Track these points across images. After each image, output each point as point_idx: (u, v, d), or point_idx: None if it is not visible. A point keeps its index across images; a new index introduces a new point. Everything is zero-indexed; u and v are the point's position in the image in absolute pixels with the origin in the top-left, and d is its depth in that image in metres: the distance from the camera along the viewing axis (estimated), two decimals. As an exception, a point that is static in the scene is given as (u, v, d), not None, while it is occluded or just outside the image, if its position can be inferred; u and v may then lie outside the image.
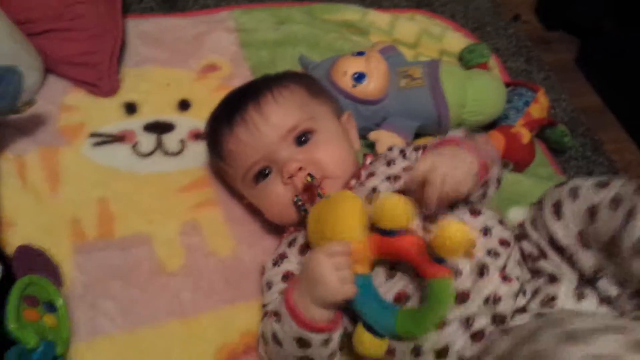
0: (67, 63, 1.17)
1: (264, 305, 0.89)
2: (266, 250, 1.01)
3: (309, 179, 0.88)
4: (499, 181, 0.90)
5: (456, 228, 0.67)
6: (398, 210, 0.73)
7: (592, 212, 0.75)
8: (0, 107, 0.96)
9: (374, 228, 0.76)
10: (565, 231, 0.79)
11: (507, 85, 1.29)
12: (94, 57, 1.18)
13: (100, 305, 0.92)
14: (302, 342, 0.78)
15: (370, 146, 1.16)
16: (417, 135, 1.20)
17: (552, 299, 0.76)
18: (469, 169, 0.78)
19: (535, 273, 0.83)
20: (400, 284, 0.79)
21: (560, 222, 0.79)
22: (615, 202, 0.73)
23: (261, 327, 0.87)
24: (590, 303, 0.76)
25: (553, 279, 0.80)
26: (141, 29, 1.32)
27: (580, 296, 0.76)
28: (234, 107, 0.96)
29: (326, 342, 0.79)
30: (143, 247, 0.99)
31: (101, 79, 1.17)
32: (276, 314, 0.81)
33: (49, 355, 0.80)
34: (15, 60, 1.04)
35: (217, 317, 0.94)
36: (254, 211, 1.02)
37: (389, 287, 0.80)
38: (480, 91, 1.19)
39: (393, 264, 0.80)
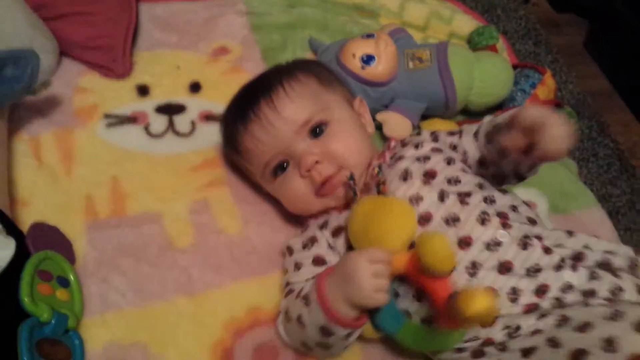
0: (81, 46, 1.19)
1: (288, 284, 0.91)
2: (273, 229, 1.04)
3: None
4: None
5: (479, 302, 0.66)
6: (445, 254, 0.73)
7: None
8: (16, 88, 0.98)
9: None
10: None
11: (515, 67, 1.30)
12: (108, 41, 1.20)
13: (111, 281, 0.95)
14: (326, 331, 0.81)
15: (378, 127, 1.17)
16: (424, 116, 1.22)
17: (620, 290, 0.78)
18: None
19: None
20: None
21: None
22: None
23: (285, 304, 0.89)
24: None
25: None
26: (154, 13, 1.34)
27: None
28: (247, 103, 0.97)
29: (348, 335, 0.82)
30: (154, 225, 1.02)
31: (115, 61, 1.20)
32: (305, 298, 0.83)
33: (61, 328, 0.83)
34: (32, 43, 1.07)
35: (225, 293, 0.96)
36: (261, 191, 1.05)
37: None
38: (487, 73, 1.20)
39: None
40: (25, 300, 0.80)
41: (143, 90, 1.20)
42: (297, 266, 0.91)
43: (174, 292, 0.95)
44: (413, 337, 0.78)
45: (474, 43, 1.36)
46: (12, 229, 0.87)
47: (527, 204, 0.92)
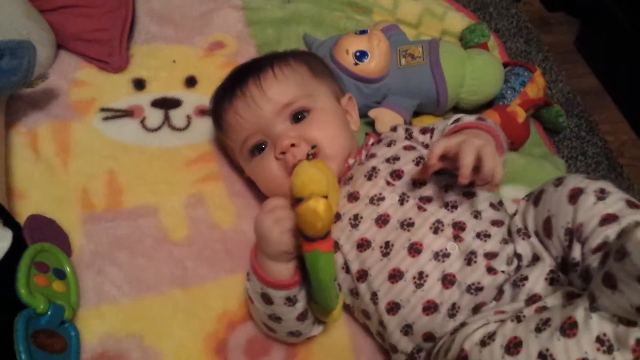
0: (78, 39, 1.21)
1: None
2: (267, 223, 1.06)
3: (311, 151, 0.91)
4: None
5: (305, 207, 0.71)
6: (302, 178, 0.76)
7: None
8: (13, 81, 0.99)
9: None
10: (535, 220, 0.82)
11: (505, 65, 1.31)
12: (105, 34, 1.21)
13: (107, 273, 0.96)
14: (266, 298, 0.83)
15: (370, 124, 1.19)
16: (416, 113, 1.24)
17: (524, 279, 0.78)
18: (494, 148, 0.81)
19: (521, 255, 0.84)
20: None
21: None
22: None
23: None
24: (556, 294, 0.75)
25: (535, 260, 0.82)
26: (150, 7, 1.35)
27: (552, 280, 0.77)
28: (236, 81, 0.99)
29: (289, 300, 0.83)
30: (149, 218, 1.04)
31: (111, 55, 1.21)
32: (247, 274, 0.88)
33: (57, 320, 0.85)
34: (28, 35, 1.08)
35: (219, 286, 0.98)
36: (255, 185, 1.05)
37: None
38: (478, 71, 1.22)
39: None
40: (22, 291, 0.81)
41: (139, 84, 1.22)
42: None
43: (169, 284, 0.97)
44: (314, 299, 0.80)
45: (465, 40, 1.38)
46: (9, 221, 0.88)
47: (495, 204, 0.92)
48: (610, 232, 0.70)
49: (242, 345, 0.93)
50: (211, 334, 0.94)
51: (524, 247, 0.83)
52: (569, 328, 0.63)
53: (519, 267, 0.82)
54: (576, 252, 0.74)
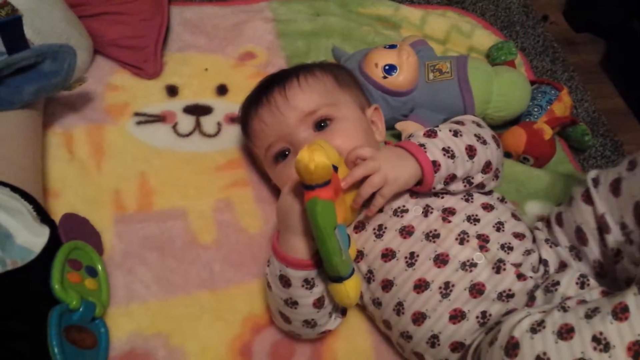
0: (115, 45, 1.24)
1: None
2: (293, 230, 1.07)
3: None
4: (496, 176, 0.95)
5: (300, 154, 0.72)
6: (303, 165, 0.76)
7: None
8: (53, 83, 1.01)
9: None
10: (620, 210, 0.80)
11: (532, 83, 1.32)
12: (141, 41, 1.24)
13: (137, 273, 0.98)
14: (284, 280, 0.83)
15: (397, 136, 1.21)
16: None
17: (556, 283, 0.79)
18: (409, 172, 0.85)
19: (547, 261, 0.86)
20: None
21: (617, 199, 0.80)
22: None
23: None
24: (590, 292, 0.77)
25: (562, 267, 0.84)
26: (184, 16, 1.39)
27: (582, 284, 0.78)
28: (262, 90, 1.02)
29: (306, 282, 0.83)
30: (179, 221, 1.06)
31: (146, 62, 1.24)
32: (268, 260, 0.88)
33: (89, 316, 0.87)
34: (68, 40, 1.11)
35: (245, 289, 1.00)
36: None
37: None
38: (506, 87, 1.22)
39: None
40: (56, 287, 0.83)
41: (172, 91, 1.25)
42: None
43: (197, 286, 0.99)
44: (321, 255, 0.78)
45: (492, 58, 1.39)
46: (46, 218, 0.91)
47: (517, 215, 0.93)
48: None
49: (266, 349, 0.94)
50: (236, 336, 0.95)
51: (550, 254, 0.86)
52: (620, 312, 0.63)
53: (545, 273, 0.84)
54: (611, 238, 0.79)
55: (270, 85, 1.00)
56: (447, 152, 0.87)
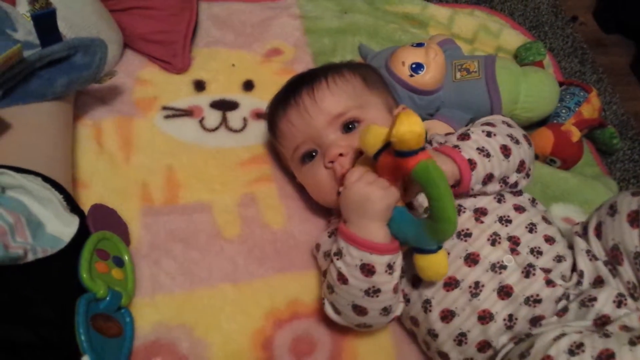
0: (144, 39, 1.25)
1: (324, 273, 0.93)
2: (316, 226, 1.08)
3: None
4: (527, 175, 0.94)
5: (399, 122, 0.71)
6: (370, 135, 0.80)
7: None
8: (84, 76, 1.03)
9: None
10: (638, 241, 0.80)
11: (561, 84, 1.32)
12: (170, 36, 1.25)
13: (162, 264, 1.00)
14: (367, 269, 0.82)
15: (422, 135, 1.20)
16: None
17: (593, 299, 0.78)
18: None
19: (583, 272, 0.85)
20: None
21: (636, 231, 0.80)
22: None
23: (325, 284, 0.91)
24: (627, 312, 0.77)
25: (599, 282, 0.83)
26: (212, 12, 1.39)
27: (619, 303, 0.78)
28: (290, 90, 1.02)
29: (390, 267, 0.82)
30: (204, 214, 1.07)
31: (175, 56, 1.25)
32: (337, 254, 0.85)
33: (115, 305, 0.88)
34: (98, 34, 1.12)
35: (267, 284, 1.01)
36: (305, 190, 1.07)
37: None
38: (534, 88, 1.21)
39: None
40: (84, 276, 0.85)
41: (199, 85, 1.26)
42: (327, 254, 0.94)
43: (220, 279, 1.00)
44: (433, 220, 0.76)
45: (521, 58, 1.39)
46: (75, 208, 0.92)
47: (548, 219, 0.93)
48: None
49: (287, 343, 0.95)
50: (258, 330, 0.96)
51: (587, 266, 0.84)
52: None
53: (579, 284, 0.83)
54: None
55: (299, 87, 1.00)
56: (482, 151, 0.87)
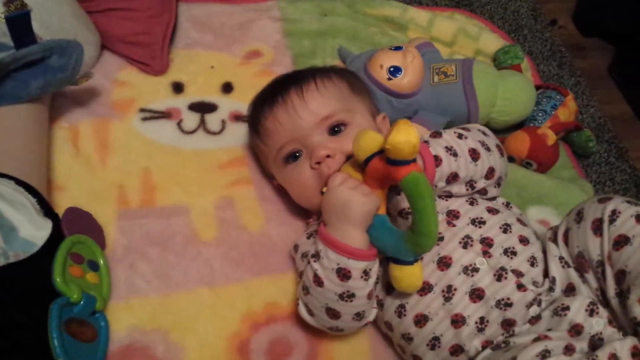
0: (122, 41, 1.24)
1: (301, 274, 0.93)
2: (294, 229, 1.08)
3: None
4: (498, 184, 0.95)
5: (396, 130, 0.73)
6: (363, 139, 0.81)
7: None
8: (60, 78, 1.02)
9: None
10: (600, 250, 0.82)
11: (538, 87, 1.32)
12: (148, 38, 1.25)
13: (138, 268, 0.99)
14: (343, 274, 0.82)
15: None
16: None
17: (566, 308, 0.80)
18: None
19: (555, 279, 0.85)
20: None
21: (599, 239, 0.82)
22: None
23: (300, 285, 0.92)
24: (599, 321, 0.79)
25: (571, 290, 0.84)
26: (192, 13, 1.39)
27: (592, 312, 0.79)
28: (278, 89, 1.01)
29: (365, 273, 0.83)
30: (181, 217, 1.06)
31: (153, 58, 1.24)
32: (314, 256, 0.86)
33: (89, 309, 0.88)
34: (75, 35, 1.11)
35: (244, 287, 1.01)
36: (283, 192, 1.08)
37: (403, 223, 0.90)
38: (510, 91, 1.22)
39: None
40: (58, 280, 0.84)
41: (178, 88, 1.25)
42: (304, 255, 0.94)
43: (196, 282, 1.00)
44: (414, 233, 0.77)
45: (499, 61, 1.39)
46: (49, 212, 0.92)
47: (523, 220, 0.94)
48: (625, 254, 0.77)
49: (264, 346, 0.95)
50: (235, 333, 0.96)
51: (560, 273, 0.85)
52: None
53: (551, 290, 0.84)
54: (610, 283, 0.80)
55: (286, 85, 1.00)
56: (450, 150, 0.88)
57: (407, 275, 0.82)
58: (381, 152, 0.79)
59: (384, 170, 0.79)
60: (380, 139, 0.79)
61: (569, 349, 0.74)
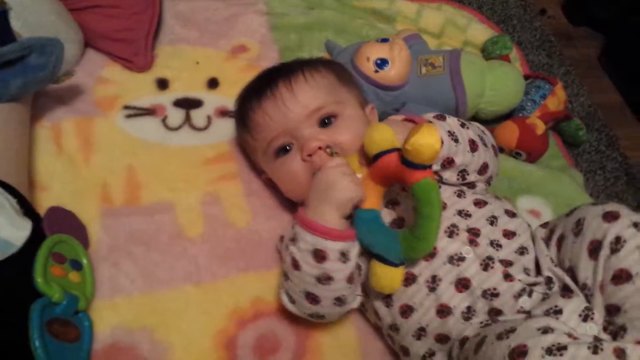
0: (106, 38, 1.23)
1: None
2: (282, 224, 1.07)
3: (328, 150, 0.92)
4: (488, 182, 0.96)
5: (420, 133, 0.72)
6: (379, 134, 0.81)
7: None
8: (40, 77, 1.01)
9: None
10: (592, 275, 0.78)
11: (527, 77, 1.32)
12: (132, 34, 1.23)
13: (122, 267, 0.98)
14: (319, 255, 0.82)
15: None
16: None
17: (558, 311, 0.77)
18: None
19: (552, 278, 0.83)
20: (399, 210, 0.88)
21: (593, 263, 0.77)
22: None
23: (282, 273, 0.92)
24: (592, 327, 0.75)
25: (567, 290, 0.80)
26: (176, 9, 1.37)
27: (586, 317, 0.76)
28: (266, 82, 1.00)
29: (343, 255, 0.82)
30: (166, 214, 1.05)
31: (137, 54, 1.23)
32: (292, 239, 0.86)
33: (72, 309, 0.87)
34: (57, 33, 1.10)
35: (231, 283, 1.00)
36: (272, 186, 1.07)
37: (386, 216, 0.88)
38: (499, 82, 1.22)
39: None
40: (39, 280, 0.83)
41: (162, 84, 1.24)
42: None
43: (182, 280, 0.99)
44: (414, 237, 0.77)
45: (487, 52, 1.38)
46: (30, 212, 0.90)
47: (511, 211, 0.92)
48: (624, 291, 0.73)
49: (251, 343, 0.95)
50: (221, 330, 0.95)
51: (553, 273, 0.83)
52: None
53: (549, 284, 0.82)
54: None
55: (274, 79, 0.99)
56: (452, 135, 0.88)
57: (388, 277, 0.81)
58: (394, 150, 0.79)
59: (394, 169, 0.78)
60: (394, 137, 0.79)
61: (570, 336, 0.70)
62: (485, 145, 0.92)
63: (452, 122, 0.91)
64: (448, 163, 0.88)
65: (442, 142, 0.85)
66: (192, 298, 0.98)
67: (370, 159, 0.83)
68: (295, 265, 0.85)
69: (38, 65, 1.00)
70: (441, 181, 0.91)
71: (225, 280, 1.00)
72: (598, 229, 0.77)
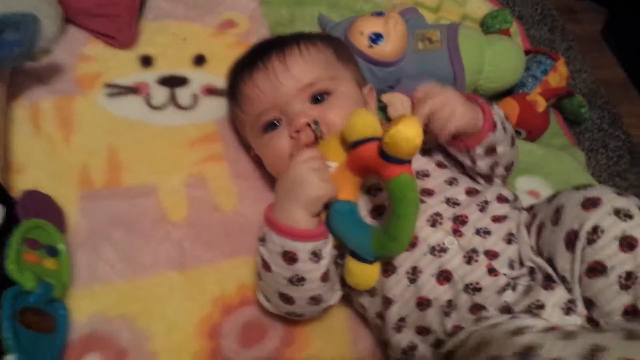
0: (87, 13, 1.18)
1: None
2: (269, 207, 1.03)
3: (313, 126, 0.87)
4: (504, 180, 0.93)
5: (402, 124, 0.67)
6: (360, 120, 0.75)
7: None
8: (16, 53, 0.97)
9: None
10: (570, 268, 0.75)
11: (527, 52, 1.28)
12: (114, 9, 1.18)
13: (101, 252, 0.95)
14: (289, 257, 0.78)
15: (383, 109, 1.16)
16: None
17: (540, 307, 0.74)
18: (470, 117, 0.83)
19: (534, 268, 0.79)
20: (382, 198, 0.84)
21: (569, 255, 0.74)
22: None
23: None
24: (576, 319, 0.72)
25: (550, 280, 0.76)
26: (162, -17, 1.32)
27: (569, 310, 0.73)
28: (258, 54, 0.96)
29: (314, 255, 0.78)
30: (148, 197, 1.01)
31: (120, 31, 1.18)
32: (261, 239, 0.82)
33: (46, 297, 0.83)
34: (35, 9, 1.05)
35: (216, 269, 0.96)
36: (260, 167, 1.03)
37: (365, 202, 0.84)
38: (498, 57, 1.18)
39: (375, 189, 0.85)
40: (11, 267, 0.80)
41: (146, 61, 1.19)
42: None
43: (165, 265, 0.95)
44: (387, 235, 0.73)
45: (487, 26, 1.34)
46: (4, 195, 0.87)
47: (503, 197, 0.88)
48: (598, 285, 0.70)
49: (237, 329, 0.92)
50: (205, 317, 0.92)
51: (535, 262, 0.79)
52: None
53: (532, 275, 0.78)
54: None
55: (268, 50, 0.95)
56: (504, 124, 0.87)
57: (362, 274, 0.78)
58: (374, 139, 0.73)
59: (372, 161, 0.73)
60: (377, 126, 0.74)
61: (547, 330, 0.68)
62: (514, 147, 0.92)
63: (501, 112, 0.89)
64: (490, 151, 0.85)
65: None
66: (176, 284, 0.94)
67: (349, 145, 0.78)
68: (266, 266, 0.81)
69: (14, 41, 0.97)
70: (428, 175, 0.87)
71: (210, 266, 0.97)
72: (576, 218, 0.73)
